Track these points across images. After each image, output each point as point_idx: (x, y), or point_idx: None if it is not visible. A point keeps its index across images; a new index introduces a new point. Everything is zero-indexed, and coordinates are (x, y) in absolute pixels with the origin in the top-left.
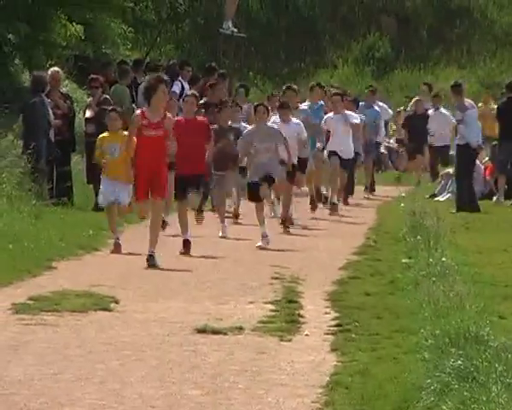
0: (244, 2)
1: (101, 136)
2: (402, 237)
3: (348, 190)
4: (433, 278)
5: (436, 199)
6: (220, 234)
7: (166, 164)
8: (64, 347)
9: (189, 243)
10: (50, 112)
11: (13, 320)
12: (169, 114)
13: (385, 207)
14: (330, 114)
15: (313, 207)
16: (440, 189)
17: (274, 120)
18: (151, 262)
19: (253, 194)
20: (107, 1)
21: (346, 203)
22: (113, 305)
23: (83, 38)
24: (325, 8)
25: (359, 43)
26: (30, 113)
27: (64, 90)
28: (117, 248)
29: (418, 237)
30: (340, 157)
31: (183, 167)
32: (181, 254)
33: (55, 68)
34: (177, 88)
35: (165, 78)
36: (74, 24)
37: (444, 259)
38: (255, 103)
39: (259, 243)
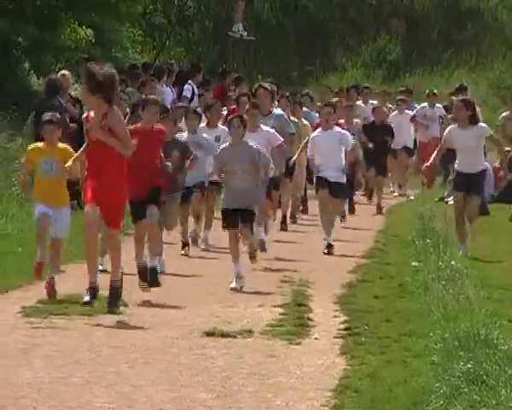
0: (253, 5)
1: (33, 146)
2: (411, 240)
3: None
4: (443, 282)
5: (445, 201)
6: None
7: (123, 174)
8: (73, 350)
9: (147, 272)
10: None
11: (22, 324)
12: (115, 108)
13: (394, 211)
14: (317, 131)
15: (283, 228)
16: (449, 192)
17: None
18: (151, 279)
19: (229, 221)
20: (116, 5)
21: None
22: (122, 308)
23: (93, 41)
24: (334, 10)
25: (369, 46)
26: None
27: (73, 93)
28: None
29: (427, 241)
30: (329, 183)
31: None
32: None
33: (64, 72)
34: (188, 93)
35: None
36: (84, 28)
37: (453, 262)
38: (230, 116)
39: (233, 285)
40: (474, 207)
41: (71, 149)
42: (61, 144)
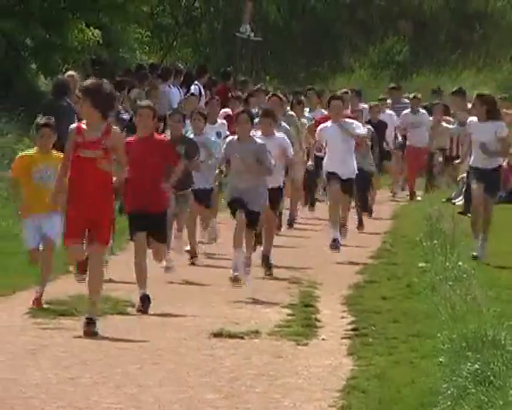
0: (261, 6)
1: (25, 153)
2: (418, 241)
3: (363, 208)
4: (450, 282)
5: (452, 202)
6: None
7: (111, 195)
8: (81, 351)
9: (148, 299)
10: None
11: (30, 324)
12: (115, 128)
13: (401, 212)
14: (327, 123)
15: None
16: (457, 193)
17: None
18: (91, 330)
19: (235, 208)
20: (123, 6)
21: (361, 228)
22: (129, 309)
23: (100, 42)
24: (342, 11)
25: (377, 47)
26: (56, 116)
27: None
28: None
29: (435, 241)
30: (340, 179)
31: (137, 202)
32: (138, 311)
33: (72, 72)
34: (195, 93)
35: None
36: (91, 28)
37: (460, 263)
38: (238, 110)
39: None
40: (489, 207)
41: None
42: (54, 152)
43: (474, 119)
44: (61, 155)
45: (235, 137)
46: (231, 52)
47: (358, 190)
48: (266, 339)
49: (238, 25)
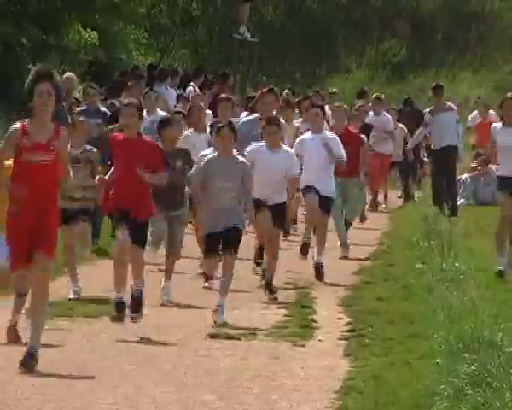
0: (258, 7)
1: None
2: (415, 242)
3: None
4: (447, 284)
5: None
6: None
7: (56, 204)
8: (77, 352)
9: (123, 306)
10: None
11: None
12: (63, 130)
13: (399, 213)
14: (306, 134)
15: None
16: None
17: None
18: (28, 363)
19: (211, 249)
20: (119, 7)
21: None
22: (126, 310)
23: (97, 43)
24: (339, 12)
25: (373, 47)
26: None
27: (78, 95)
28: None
29: (432, 243)
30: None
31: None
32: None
33: (70, 74)
34: (190, 94)
35: (50, 69)
36: (88, 29)
37: (457, 264)
38: (219, 124)
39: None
40: None
41: None
42: None
43: (498, 125)
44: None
45: (215, 155)
46: (228, 53)
47: None
48: (263, 340)
49: (235, 26)
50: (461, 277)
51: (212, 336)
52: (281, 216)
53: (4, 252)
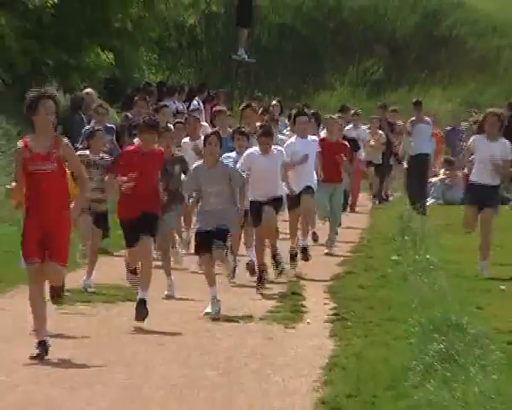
0: (254, 31)
1: None
2: (391, 237)
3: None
4: (419, 273)
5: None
6: (166, 292)
7: (66, 210)
8: (96, 334)
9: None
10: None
11: (53, 310)
12: (64, 139)
13: (376, 212)
14: (292, 139)
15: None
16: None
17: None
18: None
19: (201, 245)
20: (133, 33)
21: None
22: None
23: (114, 63)
24: (326, 36)
25: (355, 67)
26: (70, 127)
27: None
28: None
29: (406, 238)
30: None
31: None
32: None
33: (89, 90)
34: (194, 108)
35: (53, 91)
36: (106, 51)
37: (428, 256)
38: (206, 132)
39: (208, 309)
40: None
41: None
42: None
43: (480, 137)
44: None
45: (201, 162)
46: (228, 72)
47: None
48: (259, 323)
49: (234, 48)
50: (431, 267)
51: (214, 320)
52: (277, 206)
53: None
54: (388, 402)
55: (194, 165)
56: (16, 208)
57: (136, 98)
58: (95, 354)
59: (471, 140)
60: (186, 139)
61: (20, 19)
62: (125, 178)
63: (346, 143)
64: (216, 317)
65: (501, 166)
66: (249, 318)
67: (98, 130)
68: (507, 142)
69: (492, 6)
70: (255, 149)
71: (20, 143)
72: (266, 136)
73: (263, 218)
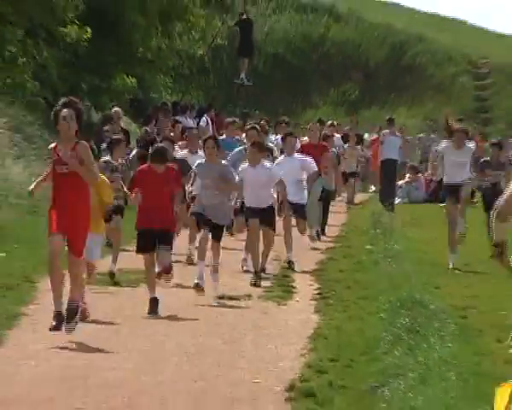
0: (253, 60)
1: None
2: (366, 230)
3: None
4: (389, 260)
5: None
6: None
7: (86, 206)
8: (122, 308)
9: (157, 301)
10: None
11: (86, 290)
12: (82, 142)
13: (353, 210)
14: (282, 157)
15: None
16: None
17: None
18: (67, 324)
19: (200, 221)
20: (153, 62)
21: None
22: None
23: (136, 87)
24: (311, 63)
25: (335, 89)
26: (99, 139)
27: (123, 124)
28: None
29: (377, 230)
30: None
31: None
32: (148, 313)
33: (117, 108)
34: (203, 123)
35: (73, 100)
36: (130, 77)
37: (396, 246)
38: (204, 136)
39: (196, 280)
40: (462, 209)
41: (106, 181)
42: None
43: (448, 145)
44: (103, 180)
45: (203, 160)
46: (231, 93)
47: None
48: (256, 301)
49: (236, 74)
50: (399, 255)
51: (220, 298)
52: (269, 218)
53: (99, 250)
54: (363, 366)
55: (197, 162)
56: (30, 195)
57: (160, 116)
58: (120, 326)
59: (441, 148)
60: (185, 151)
61: (60, 51)
62: (134, 194)
63: (326, 144)
64: (221, 296)
65: (465, 189)
66: (248, 296)
67: (119, 139)
68: (471, 145)
69: (448, 40)
70: (247, 164)
71: (53, 145)
72: (254, 147)
73: (264, 237)
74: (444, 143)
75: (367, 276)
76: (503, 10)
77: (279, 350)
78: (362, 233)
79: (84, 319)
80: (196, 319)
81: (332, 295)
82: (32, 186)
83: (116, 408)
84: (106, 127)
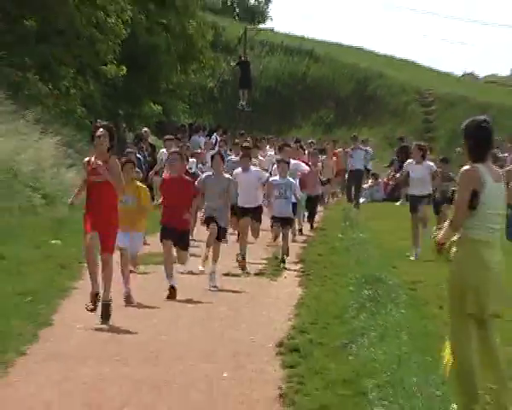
0: (251, 91)
1: None
2: (338, 222)
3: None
4: (356, 246)
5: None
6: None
7: (114, 211)
8: (149, 283)
9: (175, 289)
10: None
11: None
12: (112, 156)
13: (330, 208)
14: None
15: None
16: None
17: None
18: (104, 320)
19: (208, 221)
20: (174, 92)
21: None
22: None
23: (161, 112)
24: (296, 93)
25: (315, 114)
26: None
27: (150, 140)
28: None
29: (347, 223)
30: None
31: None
32: (167, 298)
33: (146, 129)
34: (213, 140)
35: (106, 123)
36: (156, 105)
37: (361, 235)
38: (211, 153)
39: (200, 267)
40: (425, 215)
41: (145, 189)
42: (138, 183)
43: (411, 161)
44: (140, 184)
45: (211, 173)
46: (234, 117)
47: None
48: (254, 277)
49: (238, 102)
50: (363, 242)
51: (224, 275)
52: (257, 214)
53: (141, 242)
54: (336, 327)
55: (205, 174)
56: (70, 203)
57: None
58: (161, 302)
59: (405, 164)
60: (192, 159)
61: (102, 84)
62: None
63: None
64: (227, 273)
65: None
66: (247, 274)
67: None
68: (430, 163)
69: (402, 76)
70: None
71: (86, 159)
72: (244, 156)
73: (251, 227)
74: (408, 161)
75: (339, 258)
76: (445, 53)
77: (271, 316)
78: (336, 225)
79: (130, 303)
80: (206, 292)
81: (312, 272)
82: (71, 198)
83: (145, 358)
84: (128, 149)
